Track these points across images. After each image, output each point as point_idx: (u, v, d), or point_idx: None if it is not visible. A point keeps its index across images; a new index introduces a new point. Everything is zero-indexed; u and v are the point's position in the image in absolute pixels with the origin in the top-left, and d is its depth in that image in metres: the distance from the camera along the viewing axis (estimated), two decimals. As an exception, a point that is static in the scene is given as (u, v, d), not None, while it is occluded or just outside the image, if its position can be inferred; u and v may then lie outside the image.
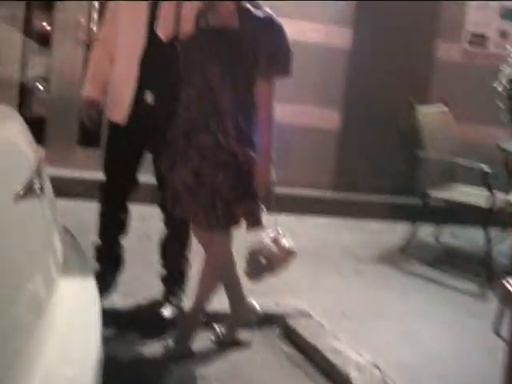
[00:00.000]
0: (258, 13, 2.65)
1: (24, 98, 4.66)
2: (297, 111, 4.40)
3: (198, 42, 2.72)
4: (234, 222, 2.65)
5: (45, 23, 4.57)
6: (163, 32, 2.87)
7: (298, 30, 4.28)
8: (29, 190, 1.46)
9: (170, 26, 2.84)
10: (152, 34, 2.89)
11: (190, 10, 2.78)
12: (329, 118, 4.48)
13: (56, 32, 4.35)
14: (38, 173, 1.65)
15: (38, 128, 4.29)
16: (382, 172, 4.49)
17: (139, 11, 2.90)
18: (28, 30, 4.60)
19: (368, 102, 4.46)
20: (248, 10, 2.65)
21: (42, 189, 1.59)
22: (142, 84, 2.88)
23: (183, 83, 2.72)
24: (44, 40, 4.55)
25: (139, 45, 2.90)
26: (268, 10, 2.66)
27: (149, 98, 2.91)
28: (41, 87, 4.57)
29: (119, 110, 2.91)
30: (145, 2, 2.85)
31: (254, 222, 2.65)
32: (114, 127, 2.98)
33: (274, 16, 2.66)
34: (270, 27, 2.64)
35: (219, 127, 2.62)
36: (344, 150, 4.48)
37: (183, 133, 2.70)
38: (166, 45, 2.82)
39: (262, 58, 2.59)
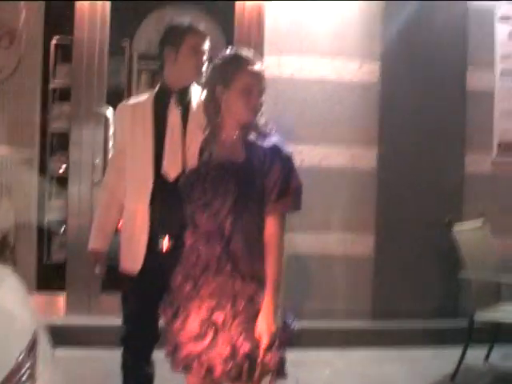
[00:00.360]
0: (265, 143, 2.60)
1: (43, 243, 4.79)
2: (329, 240, 4.49)
3: (200, 177, 2.70)
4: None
5: (60, 166, 4.72)
6: (170, 171, 2.95)
7: (321, 155, 4.30)
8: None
9: (177, 163, 2.85)
10: (159, 175, 2.98)
11: (194, 145, 2.79)
12: (362, 244, 4.58)
13: (72, 174, 4.50)
14: (30, 350, 1.52)
15: (58, 274, 4.29)
16: (422, 295, 4.42)
17: (144, 152, 3.02)
18: (44, 174, 4.78)
19: (401, 223, 4.61)
20: (253, 143, 2.60)
21: (31, 376, 1.46)
22: (154, 229, 2.95)
23: (188, 224, 2.68)
24: (60, 183, 4.75)
25: (148, 188, 2.98)
26: (277, 138, 2.61)
27: (162, 243, 2.86)
28: (59, 231, 4.70)
29: (133, 261, 3.00)
30: (150, 142, 2.99)
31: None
32: (128, 278, 2.99)
33: (282, 146, 2.65)
34: (278, 159, 2.64)
35: (234, 271, 2.56)
36: (380, 275, 4.59)
37: (191, 278, 2.58)
38: (174, 184, 2.85)
39: (270, 193, 2.56)
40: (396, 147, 4.58)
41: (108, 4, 4.43)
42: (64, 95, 4.71)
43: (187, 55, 3.06)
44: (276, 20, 4.39)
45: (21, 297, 1.86)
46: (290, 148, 2.69)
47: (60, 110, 4.78)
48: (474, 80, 4.66)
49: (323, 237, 4.45)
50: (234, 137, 2.68)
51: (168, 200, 2.89)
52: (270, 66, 4.36)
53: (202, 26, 3.11)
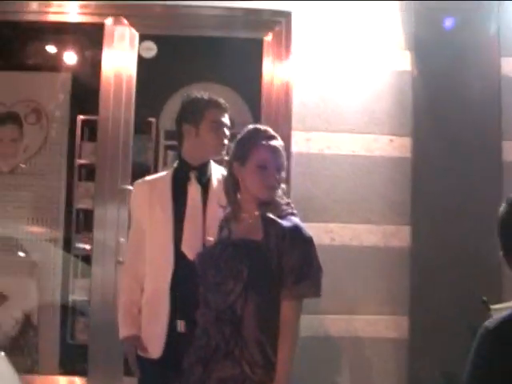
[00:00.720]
0: (285, 223, 2.60)
1: (66, 323, 4.92)
2: (360, 322, 4.44)
3: (215, 255, 2.74)
4: None
5: (85, 245, 4.80)
6: (189, 250, 2.98)
7: (352, 233, 4.29)
8: None
9: (197, 242, 2.87)
10: (179, 254, 3.03)
11: (214, 223, 2.80)
12: (395, 326, 4.48)
13: (95, 253, 4.51)
14: None
15: (80, 355, 4.31)
16: (457, 380, 4.21)
17: (164, 231, 3.08)
18: (68, 252, 4.86)
19: (436, 303, 4.41)
20: (273, 221, 2.61)
21: None
22: (175, 311, 3.01)
23: (200, 303, 2.73)
24: (84, 261, 4.87)
25: (168, 268, 2.92)
26: (296, 218, 2.58)
27: (181, 326, 2.85)
28: (84, 311, 4.73)
29: (154, 344, 2.92)
30: (170, 220, 3.05)
31: None
32: (145, 362, 3.04)
33: (302, 226, 2.59)
34: (298, 240, 2.62)
35: (244, 355, 2.57)
36: (415, 358, 4.43)
37: (201, 360, 2.56)
38: (194, 263, 2.90)
39: (287, 276, 2.60)
40: (430, 224, 4.53)
41: (134, 82, 4.52)
42: (90, 173, 4.81)
43: (208, 130, 3.13)
44: (304, 96, 4.44)
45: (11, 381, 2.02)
46: (310, 230, 2.68)
47: (85, 188, 4.87)
48: (510, 151, 4.62)
49: (355, 319, 4.38)
50: (253, 215, 2.69)
51: (188, 280, 2.90)
52: (298, 142, 4.40)
53: (221, 99, 3.15)
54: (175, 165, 3.24)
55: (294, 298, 2.59)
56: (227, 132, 3.15)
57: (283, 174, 2.75)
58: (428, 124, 4.52)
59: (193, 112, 3.12)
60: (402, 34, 4.54)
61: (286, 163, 2.79)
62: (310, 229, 4.21)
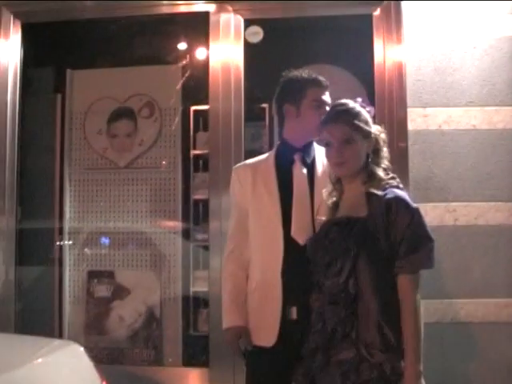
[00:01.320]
0: (388, 196, 2.63)
1: (189, 315, 5.13)
2: (490, 305, 4.39)
3: (322, 235, 2.84)
4: None
5: (203, 236, 5.07)
6: (300, 235, 3.02)
7: (477, 212, 4.43)
8: None
9: (307, 226, 2.90)
10: (288, 239, 3.04)
11: (323, 206, 2.83)
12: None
13: (212, 244, 4.69)
14: None
15: (203, 347, 4.50)
16: None
17: (272, 216, 3.11)
18: (187, 244, 5.18)
19: None
20: (376, 196, 2.65)
21: None
22: (287, 298, 3.02)
23: (313, 288, 2.81)
24: (203, 253, 5.05)
25: (278, 255, 2.95)
26: (399, 191, 2.74)
27: (293, 313, 2.90)
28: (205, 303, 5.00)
29: (267, 333, 2.98)
30: (277, 204, 3.08)
31: None
32: (259, 351, 3.09)
33: (406, 197, 2.67)
34: (403, 211, 2.65)
35: (360, 337, 2.62)
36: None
37: (320, 347, 2.63)
38: (304, 248, 2.94)
39: (397, 249, 2.66)
40: None
41: (242, 69, 4.73)
42: (205, 163, 5.05)
43: (309, 109, 3.15)
44: (418, 70, 4.45)
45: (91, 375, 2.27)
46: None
47: (201, 178, 5.05)
48: None
49: (484, 303, 4.37)
50: (356, 192, 2.77)
51: (299, 266, 2.95)
52: (415, 119, 4.42)
53: (321, 77, 3.19)
54: (277, 147, 3.28)
55: (407, 271, 2.63)
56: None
57: (351, 149, 2.80)
58: (553, 91, 4.43)
59: (293, 91, 3.15)
60: (519, -4, 4.51)
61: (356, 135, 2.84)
62: (432, 209, 4.32)
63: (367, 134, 2.85)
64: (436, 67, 4.50)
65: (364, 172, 2.83)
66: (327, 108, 3.10)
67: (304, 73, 3.20)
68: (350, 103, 2.91)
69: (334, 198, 2.93)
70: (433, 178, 4.43)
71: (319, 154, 3.15)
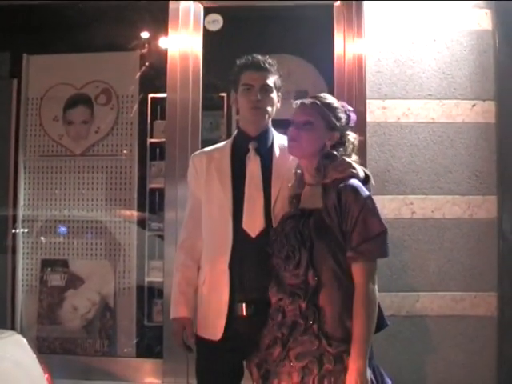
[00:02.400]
0: (340, 186, 2.64)
1: (143, 306, 4.99)
2: (445, 299, 4.33)
3: (280, 228, 2.77)
4: None
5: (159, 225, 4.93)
6: (251, 227, 2.90)
7: (434, 205, 4.32)
8: None
9: (259, 218, 2.76)
10: (238, 231, 2.90)
11: (282, 197, 2.70)
12: (483, 303, 4.35)
13: (167, 233, 4.57)
14: None
15: (156, 337, 4.37)
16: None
17: (223, 206, 2.96)
18: (142, 233, 5.03)
19: None
20: (331, 187, 2.67)
21: None
22: (235, 292, 2.89)
23: (272, 282, 2.74)
24: (158, 242, 4.91)
25: (227, 246, 2.83)
26: (354, 180, 2.67)
27: (242, 309, 2.78)
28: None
29: (213, 327, 2.95)
30: (228, 195, 2.94)
31: None
32: (205, 343, 2.96)
33: (358, 186, 2.65)
34: (353, 202, 2.61)
35: (322, 328, 2.57)
36: (504, 337, 4.33)
37: (279, 340, 2.65)
38: (255, 241, 2.84)
39: (349, 239, 2.59)
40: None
41: (200, 57, 4.60)
42: (162, 152, 4.89)
43: (241, 93, 2.99)
44: (378, 62, 4.34)
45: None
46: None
47: (158, 167, 4.91)
48: None
49: (439, 296, 4.28)
50: (313, 184, 2.69)
51: (249, 259, 2.85)
52: (373, 111, 4.32)
53: (260, 60, 2.98)
54: (234, 134, 3.14)
55: (361, 259, 2.56)
56: (261, 94, 2.92)
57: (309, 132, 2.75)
58: (513, 86, 4.36)
59: (233, 79, 3.03)
60: (480, -10, 4.44)
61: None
62: (390, 202, 4.22)
63: (332, 126, 2.78)
64: (396, 59, 4.39)
65: (317, 162, 2.76)
66: (258, 92, 2.92)
67: (244, 58, 3.04)
68: (330, 98, 2.85)
69: (297, 191, 2.86)
70: (391, 170, 4.33)
71: (278, 142, 3.01)
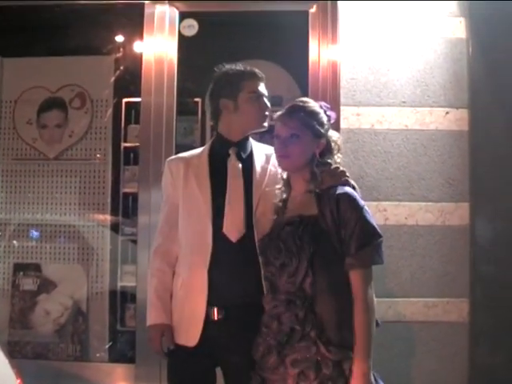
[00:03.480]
0: (336, 192, 2.61)
1: (116, 310, 4.93)
2: (418, 305, 4.29)
3: (274, 236, 2.72)
4: None
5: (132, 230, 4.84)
6: (232, 232, 2.85)
7: (407, 212, 4.33)
8: None
9: (240, 224, 2.83)
10: (218, 236, 2.86)
11: (263, 202, 2.65)
12: (455, 309, 4.30)
13: (140, 238, 4.46)
14: None
15: (129, 342, 4.29)
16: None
17: (202, 211, 2.90)
18: (115, 238, 4.95)
19: (498, 286, 4.26)
20: (325, 194, 2.66)
21: None
22: (213, 297, 2.84)
23: (266, 290, 2.72)
24: (131, 247, 4.82)
25: (206, 251, 2.78)
26: (348, 188, 2.67)
27: (216, 313, 2.71)
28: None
29: (188, 332, 2.85)
30: (208, 200, 2.90)
31: None
32: (179, 349, 2.90)
33: (354, 194, 2.64)
34: (350, 208, 2.58)
35: (319, 335, 2.53)
36: (476, 343, 4.30)
37: (274, 348, 2.47)
38: (235, 246, 2.79)
39: (347, 246, 2.57)
40: (490, 201, 4.33)
41: (175, 62, 4.50)
42: (136, 156, 4.79)
43: (247, 102, 2.96)
44: (352, 69, 4.30)
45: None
46: (363, 201, 2.61)
47: (132, 171, 4.83)
48: None
49: (411, 302, 4.25)
50: (304, 190, 2.67)
51: (229, 264, 2.81)
52: (347, 117, 4.28)
53: (256, 69, 3.03)
54: (211, 141, 3.10)
55: (359, 266, 2.56)
56: (267, 102, 2.99)
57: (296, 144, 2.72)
58: (486, 94, 4.33)
59: (229, 85, 2.96)
60: (453, -2, 4.42)
61: None
62: (363, 208, 4.12)
63: (318, 135, 2.74)
64: (370, 66, 4.33)
65: (311, 171, 2.72)
66: (265, 100, 2.98)
67: (238, 66, 3.03)
68: (311, 102, 2.82)
69: (284, 196, 2.82)
70: (364, 177, 4.28)
71: (256, 149, 3.00)
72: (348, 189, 2.65)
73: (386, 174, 4.29)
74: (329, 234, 2.56)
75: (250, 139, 3.06)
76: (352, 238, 2.54)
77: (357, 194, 2.67)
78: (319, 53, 4.38)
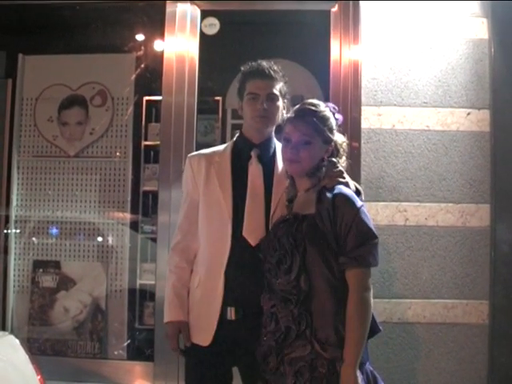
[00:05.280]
0: (334, 192, 2.64)
1: (135, 308, 5.00)
2: (437, 306, 4.32)
3: (272, 234, 2.77)
4: None
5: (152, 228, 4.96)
6: (251, 236, 2.86)
7: (428, 213, 4.34)
8: None
9: (259, 227, 2.74)
10: (237, 238, 2.88)
11: (281, 206, 2.70)
12: (475, 311, 4.34)
13: (160, 236, 4.52)
14: None
15: (147, 340, 4.35)
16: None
17: (222, 212, 2.92)
18: (135, 236, 5.03)
19: None
20: (324, 194, 2.69)
21: None
22: (229, 297, 2.87)
23: (264, 289, 2.74)
24: (151, 245, 4.91)
25: (224, 252, 2.86)
26: (344, 188, 2.68)
27: (232, 313, 2.75)
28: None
29: (203, 332, 2.95)
30: (229, 201, 2.90)
31: None
32: (195, 347, 2.94)
33: (350, 194, 2.65)
34: (346, 208, 2.60)
35: (314, 333, 2.56)
36: (496, 345, 4.32)
37: (273, 348, 2.54)
38: (253, 250, 2.83)
39: (344, 243, 2.59)
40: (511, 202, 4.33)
41: (196, 61, 4.56)
42: (156, 155, 4.84)
43: (246, 102, 2.96)
44: (374, 69, 4.33)
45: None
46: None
47: (152, 170, 4.89)
48: None
49: (431, 303, 4.28)
50: (306, 190, 2.70)
51: (246, 266, 2.82)
52: (368, 117, 4.31)
53: (265, 68, 2.95)
54: (235, 139, 3.09)
55: (354, 265, 2.55)
56: (266, 103, 2.90)
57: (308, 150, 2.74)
58: (508, 95, 4.37)
59: (238, 85, 2.99)
60: (476, -1, 4.45)
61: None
62: (383, 208, 4.21)
63: (328, 141, 2.78)
64: (392, 66, 4.38)
65: (316, 173, 2.76)
66: (264, 101, 2.90)
67: (249, 65, 3.00)
68: (321, 106, 2.82)
69: (290, 195, 2.85)
70: (385, 177, 4.32)
71: (280, 151, 2.98)
72: (345, 189, 2.66)
73: (406, 175, 4.33)
74: (325, 232, 2.58)
75: (274, 139, 3.04)
76: (347, 238, 2.55)
77: (353, 195, 2.67)
78: (341, 52, 4.43)
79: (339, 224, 2.56)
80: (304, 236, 2.59)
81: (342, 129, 3.01)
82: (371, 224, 2.64)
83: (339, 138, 2.85)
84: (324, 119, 2.77)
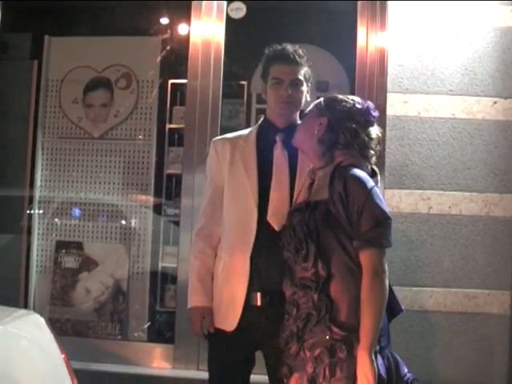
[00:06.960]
0: (344, 175, 2.64)
1: (156, 290, 5.05)
2: (459, 295, 4.38)
3: (289, 221, 2.79)
4: None
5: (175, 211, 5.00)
6: (276, 221, 2.87)
7: (451, 201, 4.36)
8: None
9: (284, 213, 2.78)
10: (262, 223, 2.89)
11: (302, 193, 2.73)
12: (497, 300, 4.38)
13: (183, 219, 4.62)
14: None
15: (168, 323, 4.42)
16: None
17: (247, 197, 2.94)
18: (158, 219, 5.08)
19: None
20: (336, 177, 2.68)
21: None
22: (254, 283, 2.89)
23: (285, 276, 2.76)
24: (174, 228, 4.97)
25: (250, 237, 2.90)
26: (356, 169, 2.66)
27: (257, 299, 2.88)
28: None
29: (228, 317, 2.91)
30: (254, 186, 2.92)
31: None
32: (218, 333, 2.97)
33: (361, 175, 2.64)
34: (357, 190, 2.61)
35: (334, 318, 2.58)
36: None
37: (295, 335, 2.68)
38: (277, 235, 2.83)
39: (357, 225, 2.60)
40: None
41: (222, 44, 4.63)
42: (180, 138, 4.93)
43: (270, 87, 2.97)
44: (400, 56, 4.37)
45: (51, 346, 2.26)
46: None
47: (176, 153, 4.96)
48: None
49: (452, 292, 4.33)
50: (323, 175, 2.73)
51: (271, 252, 2.83)
52: (394, 104, 4.36)
53: (290, 51, 2.94)
54: (260, 123, 3.10)
55: (367, 247, 2.57)
56: (291, 89, 2.91)
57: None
58: (535, 82, 4.38)
59: (262, 68, 3.00)
60: (505, -14, 4.46)
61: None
62: (407, 196, 4.27)
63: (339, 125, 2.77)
64: (418, 54, 4.43)
65: (325, 152, 2.77)
66: (288, 87, 2.91)
67: (273, 48, 3.00)
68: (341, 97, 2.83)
69: (309, 182, 2.87)
70: (409, 164, 4.37)
71: None
72: (357, 171, 2.66)
73: (430, 163, 4.39)
74: (338, 217, 2.59)
75: (299, 124, 3.00)
76: (359, 221, 2.56)
77: (366, 176, 2.67)
78: (367, 39, 4.48)
79: (351, 207, 2.57)
80: (317, 223, 2.61)
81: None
82: (384, 205, 2.64)
83: (373, 131, 2.81)
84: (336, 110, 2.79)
